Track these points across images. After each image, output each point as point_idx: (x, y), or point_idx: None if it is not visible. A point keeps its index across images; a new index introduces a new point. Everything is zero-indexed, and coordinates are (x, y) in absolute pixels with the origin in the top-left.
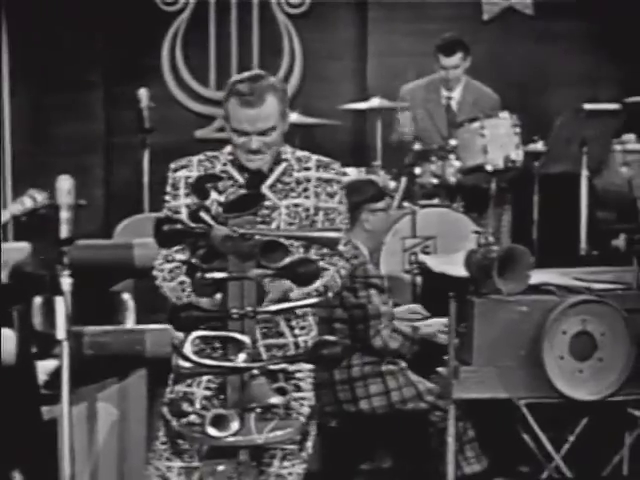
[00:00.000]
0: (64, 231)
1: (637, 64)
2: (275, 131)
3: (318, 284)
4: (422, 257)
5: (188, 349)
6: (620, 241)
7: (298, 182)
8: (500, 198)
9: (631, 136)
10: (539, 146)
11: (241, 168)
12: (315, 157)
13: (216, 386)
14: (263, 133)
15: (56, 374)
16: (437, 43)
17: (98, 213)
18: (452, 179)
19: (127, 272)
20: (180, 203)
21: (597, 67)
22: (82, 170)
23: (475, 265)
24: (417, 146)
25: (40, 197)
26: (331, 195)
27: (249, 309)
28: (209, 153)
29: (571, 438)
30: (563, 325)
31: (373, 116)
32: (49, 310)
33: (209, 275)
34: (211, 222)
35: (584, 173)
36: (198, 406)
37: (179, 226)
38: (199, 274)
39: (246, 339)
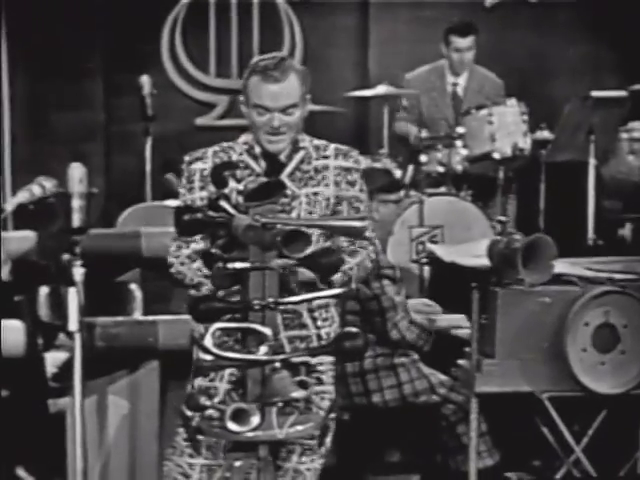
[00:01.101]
0: (76, 220)
1: (638, 51)
2: (297, 110)
3: (352, 263)
4: (431, 246)
5: (209, 341)
6: (626, 230)
7: (317, 170)
8: (506, 187)
9: (637, 124)
10: (545, 134)
11: (257, 157)
12: (333, 145)
13: (238, 379)
14: (285, 111)
15: (66, 366)
16: (449, 26)
17: (98, 202)
18: (459, 167)
19: (134, 262)
20: (195, 196)
21: (599, 54)
22: (82, 158)
23: (498, 255)
24: (424, 133)
25: (49, 185)
26: (352, 184)
27: (271, 300)
28: (224, 144)
29: (590, 432)
30: (586, 317)
31: (377, 103)
32: (55, 301)
33: (230, 265)
34: (232, 211)
35: (591, 161)
36: (217, 400)
37: (200, 215)
38: (220, 264)
39: (267, 331)
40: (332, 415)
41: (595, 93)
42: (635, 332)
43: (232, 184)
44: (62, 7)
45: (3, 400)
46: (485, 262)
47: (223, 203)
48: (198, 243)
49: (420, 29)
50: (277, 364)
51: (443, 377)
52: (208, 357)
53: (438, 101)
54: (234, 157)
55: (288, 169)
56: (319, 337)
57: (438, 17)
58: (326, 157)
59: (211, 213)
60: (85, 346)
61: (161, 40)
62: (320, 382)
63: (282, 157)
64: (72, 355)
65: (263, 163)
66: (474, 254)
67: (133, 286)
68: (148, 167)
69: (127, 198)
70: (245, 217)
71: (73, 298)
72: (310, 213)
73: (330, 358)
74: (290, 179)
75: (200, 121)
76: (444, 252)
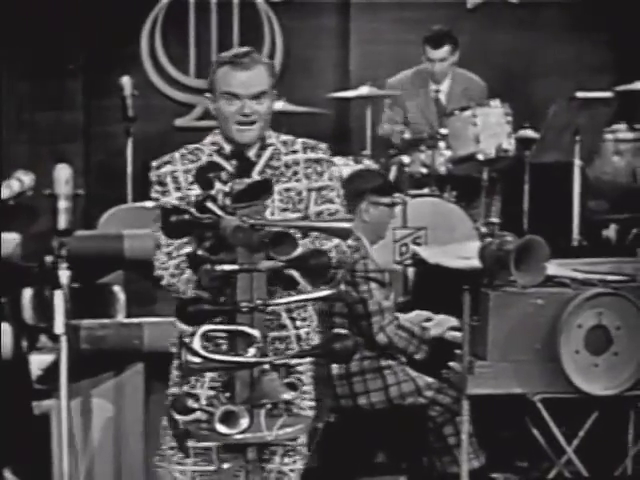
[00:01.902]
0: (62, 221)
1: (622, 51)
2: (266, 99)
3: (329, 245)
4: (415, 248)
5: (197, 344)
6: (611, 231)
7: (287, 166)
8: (490, 188)
9: (622, 125)
10: (529, 132)
11: (228, 157)
12: (300, 140)
13: (220, 384)
14: (256, 99)
15: (51, 369)
16: (425, 35)
17: (79, 203)
18: (442, 168)
19: (117, 264)
20: (171, 198)
21: (583, 55)
22: (62, 159)
23: (490, 256)
24: (407, 135)
25: (27, 179)
26: (320, 174)
27: (259, 302)
28: (190, 146)
29: (581, 433)
30: (579, 319)
31: (359, 105)
32: (40, 303)
33: (219, 267)
34: (219, 213)
35: (577, 162)
36: (204, 402)
37: (187, 217)
38: (207, 266)
39: (256, 333)
40: (317, 416)
41: (580, 94)
42: (628, 334)
43: (218, 185)
44: (44, 7)
45: None
46: (470, 263)
47: (210, 204)
48: (182, 249)
49: (402, 30)
50: (266, 366)
51: (430, 379)
52: (196, 359)
53: (421, 107)
54: (203, 158)
55: (258, 167)
56: (298, 337)
57: (420, 18)
58: (295, 151)
59: (198, 214)
60: (70, 348)
61: (141, 41)
62: (301, 383)
63: (251, 155)
64: (57, 357)
65: (233, 161)
66: (459, 255)
67: (116, 288)
68: (129, 168)
69: (108, 199)
70: (233, 218)
71: (59, 301)
72: (284, 210)
73: (308, 359)
74: (262, 177)
75: (180, 122)
76: (428, 254)
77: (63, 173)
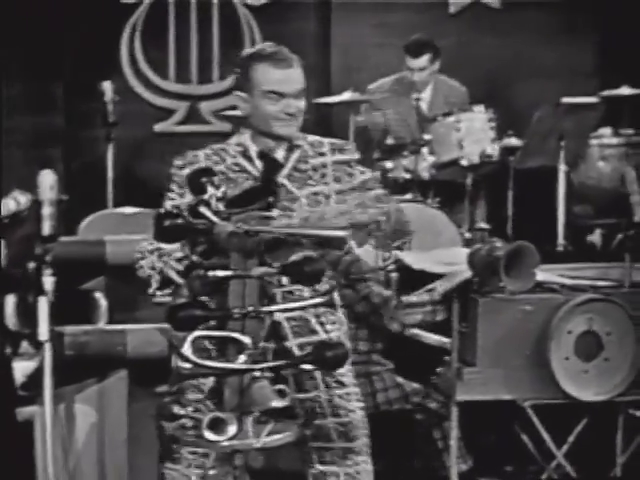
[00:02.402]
0: (47, 227)
1: (607, 56)
2: (304, 96)
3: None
4: (398, 254)
5: (188, 350)
6: (596, 236)
7: (315, 169)
8: (474, 193)
9: (607, 130)
10: (513, 141)
11: (252, 159)
12: (327, 140)
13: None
14: (297, 96)
15: (34, 375)
16: (405, 43)
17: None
18: (425, 174)
19: (99, 270)
20: (186, 201)
21: (566, 59)
22: (42, 163)
23: (480, 263)
24: (389, 140)
25: (23, 199)
26: (351, 175)
27: (251, 309)
28: (215, 146)
29: (571, 438)
30: (569, 325)
31: (342, 110)
32: (23, 309)
33: (212, 273)
34: (213, 218)
35: (562, 167)
36: (190, 409)
37: (180, 221)
38: (200, 272)
39: (247, 340)
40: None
41: (566, 99)
42: (618, 340)
43: (211, 190)
44: (24, 11)
45: None
46: (455, 269)
47: (203, 209)
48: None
49: (383, 34)
50: (257, 373)
51: (416, 385)
52: (187, 365)
53: (402, 114)
54: (228, 160)
55: (286, 170)
56: None
57: (402, 22)
58: (322, 154)
59: (192, 219)
60: (54, 355)
61: (121, 46)
62: (342, 384)
63: (279, 157)
64: (41, 364)
65: (259, 164)
66: (443, 261)
67: (98, 294)
68: (110, 173)
69: (88, 205)
70: (227, 224)
71: (43, 307)
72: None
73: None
74: (289, 180)
75: (159, 127)
76: (412, 259)
77: (47, 179)
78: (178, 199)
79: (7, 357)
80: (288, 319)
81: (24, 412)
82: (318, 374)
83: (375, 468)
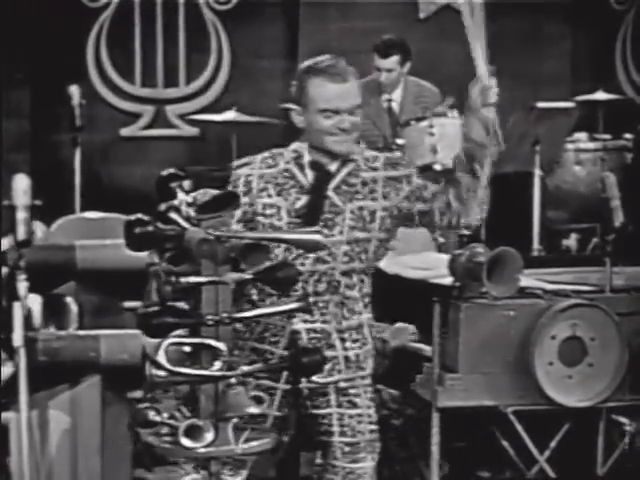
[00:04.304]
0: (21, 233)
1: (577, 62)
2: (359, 110)
3: None
4: None
5: (162, 357)
6: (571, 241)
7: (364, 183)
8: None
9: (582, 135)
10: None
11: (303, 167)
12: (383, 155)
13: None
14: (352, 111)
15: (9, 381)
16: (375, 43)
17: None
18: None
19: (69, 274)
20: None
21: (538, 64)
22: (8, 168)
23: (460, 268)
24: (361, 145)
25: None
26: (399, 190)
27: (224, 315)
28: (275, 150)
29: (552, 444)
30: (553, 330)
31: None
32: None
33: (184, 279)
34: (183, 223)
35: (537, 172)
36: (166, 415)
37: (150, 228)
38: (170, 278)
39: (222, 346)
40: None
41: (541, 104)
42: (603, 345)
43: (181, 195)
44: None
45: None
46: (430, 274)
47: (174, 215)
48: None
49: (352, 40)
50: (232, 380)
51: (394, 392)
52: (162, 373)
53: (373, 117)
54: (281, 164)
55: (335, 182)
56: (347, 359)
57: (371, 28)
58: (375, 169)
59: (162, 226)
60: (27, 360)
61: (87, 49)
62: (354, 405)
63: (332, 168)
64: (15, 370)
65: (310, 173)
66: (417, 266)
67: (69, 299)
68: (77, 178)
69: (55, 210)
70: (198, 230)
71: (18, 313)
72: (353, 228)
73: (366, 380)
74: (335, 192)
75: (125, 131)
76: (386, 264)
77: (21, 183)
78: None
79: None
80: (308, 330)
81: None
82: (332, 392)
83: None
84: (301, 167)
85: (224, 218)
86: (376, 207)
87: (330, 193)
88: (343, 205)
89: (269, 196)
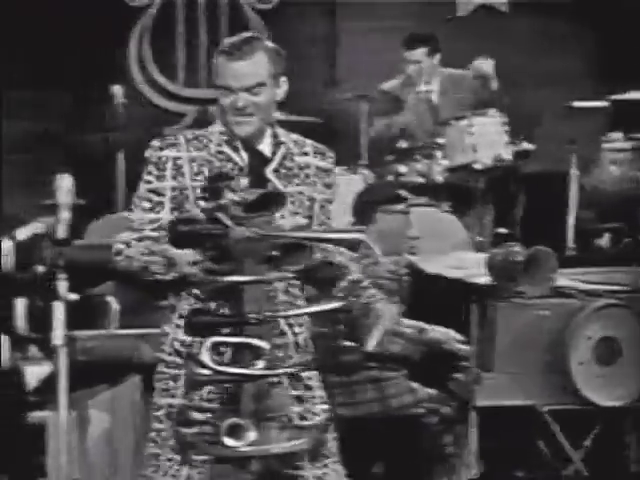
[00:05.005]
0: (62, 231)
1: (612, 61)
2: (264, 90)
3: None
4: (411, 258)
5: (205, 356)
6: (604, 240)
7: (300, 167)
8: (485, 197)
9: (618, 134)
10: (525, 145)
11: (238, 149)
12: (309, 141)
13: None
14: (250, 90)
15: (47, 380)
16: (402, 40)
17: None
18: (439, 178)
19: (109, 274)
20: (166, 185)
21: (573, 63)
22: (52, 168)
23: (498, 268)
24: (403, 144)
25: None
26: (328, 186)
27: (267, 314)
28: (197, 132)
29: (586, 443)
30: (587, 330)
31: (351, 113)
32: (33, 313)
33: (227, 278)
34: (229, 223)
35: (572, 172)
36: (208, 415)
37: (197, 227)
38: (213, 277)
39: (265, 345)
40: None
41: (576, 103)
42: (636, 345)
43: (228, 195)
44: (29, 15)
45: None
46: (468, 273)
47: (220, 215)
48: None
49: (390, 39)
50: (275, 379)
51: (430, 391)
52: (205, 371)
53: (413, 109)
54: (212, 147)
55: (273, 164)
56: (297, 344)
57: (409, 27)
58: (306, 154)
59: (208, 225)
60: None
61: (129, 49)
62: (309, 389)
63: (265, 150)
64: (55, 369)
65: (245, 155)
66: (455, 266)
67: (109, 298)
68: (120, 178)
69: (95, 209)
70: (243, 229)
71: (58, 312)
72: (296, 214)
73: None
74: (276, 176)
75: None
76: (425, 263)
77: (65, 183)
78: (155, 182)
79: (16, 361)
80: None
81: (35, 417)
82: (285, 378)
83: (383, 471)
84: (235, 149)
85: (268, 217)
86: (312, 193)
87: (270, 176)
88: (284, 188)
89: (206, 179)
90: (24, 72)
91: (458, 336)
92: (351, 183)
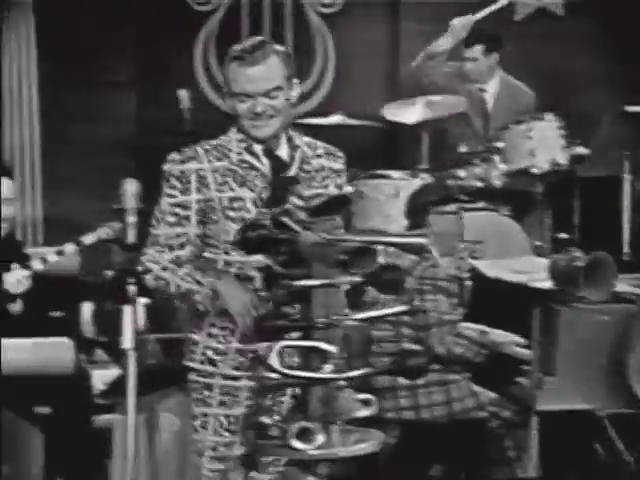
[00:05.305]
0: (130, 236)
1: None
2: (281, 93)
3: None
4: (473, 262)
5: (275, 360)
6: None
7: (316, 170)
8: (543, 202)
9: None
10: (580, 149)
11: (258, 156)
12: (320, 143)
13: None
14: (268, 95)
15: (115, 383)
16: None
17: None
18: (497, 182)
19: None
20: (191, 198)
21: (626, 69)
22: (114, 173)
23: (561, 273)
24: (462, 148)
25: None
26: (339, 187)
27: (335, 318)
28: (213, 142)
29: None
30: None
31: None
32: (101, 317)
33: (297, 282)
34: (296, 228)
35: (626, 176)
36: (278, 418)
37: (264, 232)
38: (284, 281)
39: (333, 349)
40: None
41: (630, 108)
42: None
43: (293, 200)
44: (94, 19)
45: (48, 417)
46: (528, 278)
47: (286, 220)
48: (182, 249)
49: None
50: (342, 382)
51: (492, 395)
52: (274, 375)
53: (467, 110)
54: (233, 157)
55: (293, 169)
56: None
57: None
58: (319, 156)
59: (275, 230)
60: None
61: (195, 53)
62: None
63: (283, 155)
64: (123, 372)
65: (265, 161)
66: (516, 270)
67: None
68: None
69: None
70: (310, 234)
71: (128, 315)
72: None
73: None
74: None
75: None
76: (486, 267)
77: (131, 187)
78: (180, 196)
79: (82, 365)
80: None
81: (101, 420)
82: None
83: (443, 474)
84: (255, 155)
85: (336, 221)
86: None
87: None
88: (305, 193)
89: (232, 189)
90: (89, 76)
91: (520, 340)
92: (411, 187)
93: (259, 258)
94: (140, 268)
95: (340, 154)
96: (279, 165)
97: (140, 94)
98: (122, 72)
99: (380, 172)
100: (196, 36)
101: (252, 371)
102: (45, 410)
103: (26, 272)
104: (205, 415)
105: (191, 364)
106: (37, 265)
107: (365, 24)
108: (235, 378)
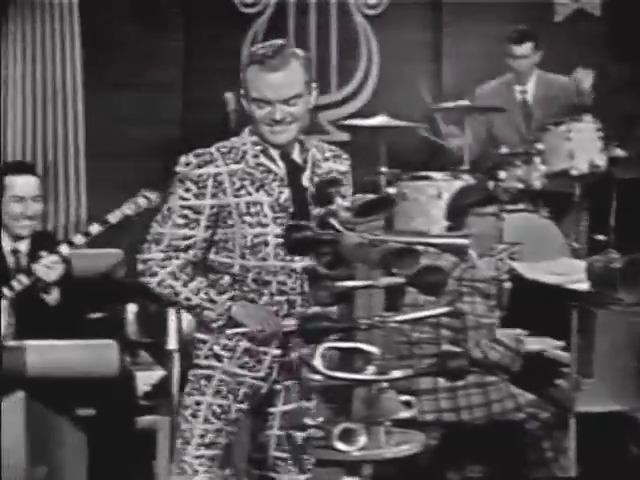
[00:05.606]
0: None
1: None
2: (300, 100)
3: None
4: (512, 263)
5: (318, 362)
6: None
7: (326, 173)
8: (581, 204)
9: None
10: (617, 151)
11: (275, 159)
12: (326, 146)
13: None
14: (287, 102)
15: (159, 385)
16: (507, 35)
17: None
18: (537, 184)
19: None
20: (205, 203)
21: None
22: (156, 174)
23: (597, 275)
24: (503, 149)
25: (153, 197)
26: (345, 189)
27: (378, 319)
28: (227, 143)
29: None
30: None
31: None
32: (144, 318)
33: (340, 283)
34: (340, 228)
35: None
36: (320, 419)
37: (309, 233)
38: (327, 282)
39: (375, 351)
40: None
41: None
42: None
43: (338, 200)
44: (141, 20)
45: (92, 419)
46: (566, 280)
47: (332, 220)
48: (186, 252)
49: (492, 43)
50: (385, 384)
51: (531, 396)
52: (317, 377)
53: (509, 111)
54: (250, 160)
55: (307, 172)
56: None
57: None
58: (327, 159)
59: (320, 231)
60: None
61: (241, 56)
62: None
63: (296, 158)
64: (168, 373)
65: (282, 164)
66: (554, 272)
67: None
68: None
69: None
70: (353, 234)
71: (173, 318)
72: None
73: None
74: (312, 184)
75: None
76: (525, 269)
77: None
78: (193, 199)
79: (127, 366)
80: None
81: (144, 421)
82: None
83: (481, 475)
84: (271, 159)
85: (377, 222)
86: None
87: (306, 184)
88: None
89: (249, 194)
90: (136, 78)
91: (557, 343)
92: (453, 188)
93: (275, 263)
94: (141, 266)
95: (345, 156)
96: (294, 168)
97: (186, 96)
98: (168, 74)
99: (422, 173)
100: (243, 38)
101: (288, 374)
102: (89, 412)
103: (55, 257)
104: (198, 404)
105: (195, 361)
106: (65, 249)
107: (408, 25)
108: (236, 375)
